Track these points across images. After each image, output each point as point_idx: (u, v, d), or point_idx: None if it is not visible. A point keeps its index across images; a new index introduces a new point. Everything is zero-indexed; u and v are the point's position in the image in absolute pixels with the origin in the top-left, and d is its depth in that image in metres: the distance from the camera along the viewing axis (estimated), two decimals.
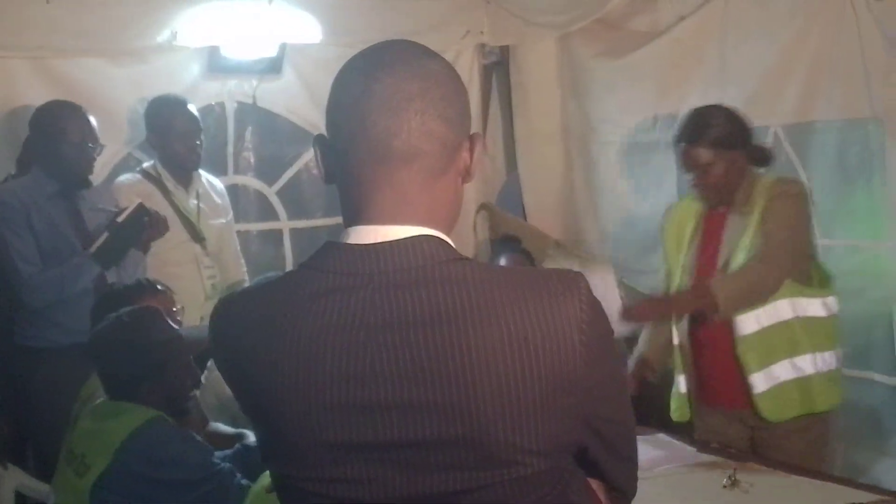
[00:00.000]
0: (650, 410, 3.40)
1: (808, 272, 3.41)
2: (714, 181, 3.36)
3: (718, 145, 3.32)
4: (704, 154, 3.32)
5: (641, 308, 3.46)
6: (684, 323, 3.50)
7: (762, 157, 3.46)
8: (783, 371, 3.37)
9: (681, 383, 3.60)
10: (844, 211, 3.74)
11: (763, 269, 3.29)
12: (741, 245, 3.35)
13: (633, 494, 1.59)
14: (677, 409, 3.62)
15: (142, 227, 3.95)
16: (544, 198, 5.59)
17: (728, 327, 3.39)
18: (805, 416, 3.39)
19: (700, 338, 3.52)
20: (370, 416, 1.33)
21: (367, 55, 1.41)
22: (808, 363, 3.38)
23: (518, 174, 5.65)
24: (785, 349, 3.36)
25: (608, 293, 3.86)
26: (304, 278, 1.40)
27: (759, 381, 3.37)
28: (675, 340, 3.56)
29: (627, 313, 3.40)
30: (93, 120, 3.97)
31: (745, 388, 3.39)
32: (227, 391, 3.09)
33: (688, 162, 3.38)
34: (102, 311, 3.11)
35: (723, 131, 3.34)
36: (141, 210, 3.92)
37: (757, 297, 3.33)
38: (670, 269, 3.61)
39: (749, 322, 3.35)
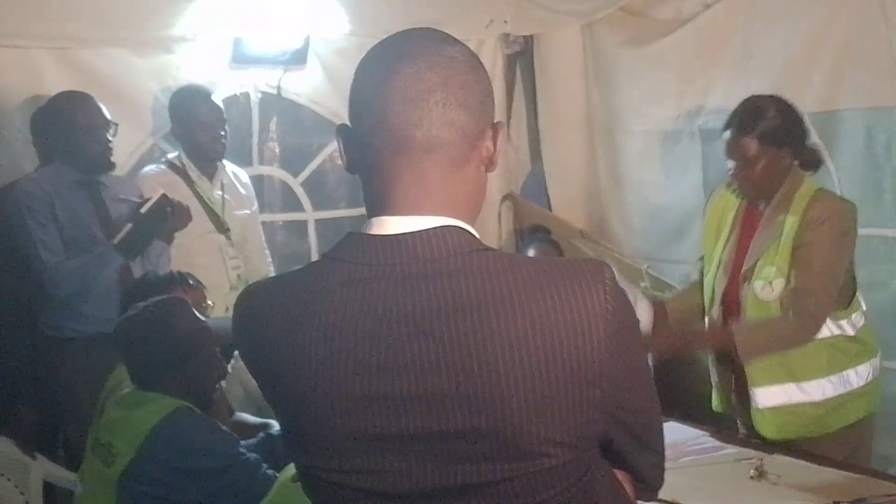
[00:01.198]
0: (674, 399, 3.37)
1: (844, 297, 3.30)
2: (754, 176, 3.23)
3: (767, 140, 3.18)
4: (750, 146, 3.19)
5: (662, 340, 3.33)
6: (717, 308, 3.43)
7: (812, 160, 3.33)
8: (783, 394, 3.29)
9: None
10: (872, 199, 3.70)
11: (796, 326, 3.18)
12: (768, 256, 3.24)
13: (660, 486, 1.59)
14: (718, 400, 3.56)
15: (165, 218, 3.96)
16: (569, 188, 5.57)
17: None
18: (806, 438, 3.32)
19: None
20: (393, 406, 1.33)
21: (387, 44, 1.41)
22: (815, 388, 3.29)
23: (542, 164, 5.64)
24: (788, 373, 3.28)
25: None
26: (326, 269, 1.40)
27: (761, 397, 3.31)
28: (709, 316, 3.48)
29: (646, 342, 3.24)
30: (101, 105, 3.98)
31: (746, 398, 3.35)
32: (253, 381, 3.11)
33: (732, 151, 3.24)
34: (132, 300, 3.13)
35: (774, 126, 3.19)
36: (164, 200, 3.93)
37: (783, 349, 3.24)
38: (705, 257, 3.54)
39: None
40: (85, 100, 3.97)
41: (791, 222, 3.21)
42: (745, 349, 3.19)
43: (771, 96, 3.29)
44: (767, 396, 3.30)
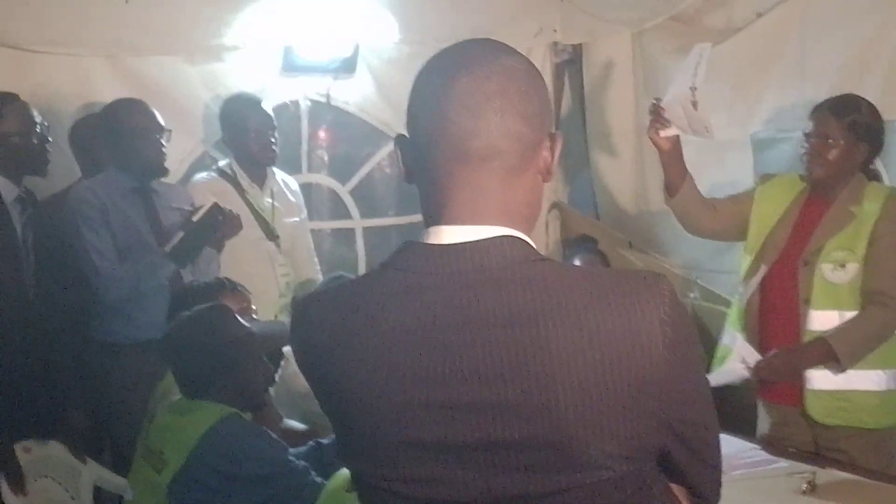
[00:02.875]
0: (722, 411, 3.34)
1: None
2: (830, 159, 3.32)
3: (852, 128, 3.31)
4: (835, 127, 3.32)
5: (769, 366, 3.36)
6: (755, 295, 3.49)
7: (874, 174, 3.47)
8: (844, 378, 3.31)
9: (736, 338, 3.53)
10: None
11: (886, 316, 3.27)
12: (839, 240, 3.32)
13: (717, 501, 1.56)
14: (721, 358, 3.59)
15: (216, 226, 3.99)
16: (617, 197, 5.55)
17: (796, 318, 3.37)
18: (859, 427, 3.35)
19: (767, 325, 3.49)
20: (449, 415, 1.33)
21: (446, 54, 1.41)
22: (877, 378, 3.33)
23: (591, 173, 5.62)
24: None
25: None
26: (383, 278, 1.40)
27: (817, 379, 3.34)
28: (742, 304, 3.55)
29: (756, 369, 3.37)
30: (155, 111, 4.02)
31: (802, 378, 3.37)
32: (299, 388, 3.10)
33: (816, 128, 3.35)
34: (180, 307, 3.15)
35: (862, 120, 3.33)
36: (215, 209, 3.96)
37: (881, 343, 3.30)
38: (750, 241, 3.58)
39: (828, 319, 3.32)
40: (138, 105, 4.02)
41: (869, 210, 3.30)
42: (848, 355, 3.26)
43: (865, 98, 3.42)
44: (824, 380, 3.33)
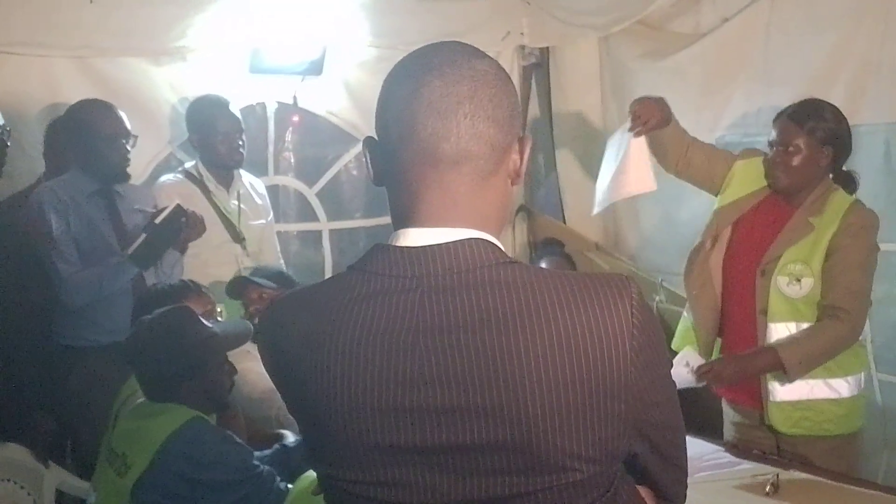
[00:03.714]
0: (687, 414, 3.35)
1: None
2: (794, 167, 3.30)
3: (814, 134, 3.27)
4: (796, 134, 3.28)
5: (714, 371, 3.32)
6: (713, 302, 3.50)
7: (847, 180, 3.41)
8: (807, 388, 3.32)
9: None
10: (891, 214, 3.68)
11: (839, 330, 3.26)
12: (796, 252, 3.29)
13: (683, 502, 1.58)
14: (682, 339, 3.61)
15: (179, 228, 3.95)
16: (584, 200, 5.54)
17: (753, 327, 3.37)
18: (821, 435, 3.36)
19: (725, 331, 3.51)
20: (418, 419, 1.33)
21: (416, 57, 1.40)
22: (839, 387, 3.34)
23: (557, 176, 5.63)
24: (820, 370, 3.31)
25: None
26: (352, 281, 1.39)
27: (779, 391, 3.34)
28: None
29: (701, 374, 3.32)
30: (122, 114, 3.98)
31: (758, 381, 3.38)
32: (251, 392, 3.04)
33: (779, 136, 3.33)
34: (143, 310, 3.12)
35: (825, 123, 3.28)
36: (179, 211, 3.92)
37: (832, 356, 3.30)
38: (718, 209, 3.57)
39: (787, 331, 3.32)
40: (108, 109, 3.97)
41: (828, 225, 3.27)
42: (795, 367, 3.25)
43: (829, 103, 3.38)
44: (786, 391, 3.34)
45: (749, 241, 3.44)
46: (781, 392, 3.34)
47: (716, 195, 3.62)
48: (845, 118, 3.35)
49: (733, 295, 3.47)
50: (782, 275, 3.30)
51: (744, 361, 3.34)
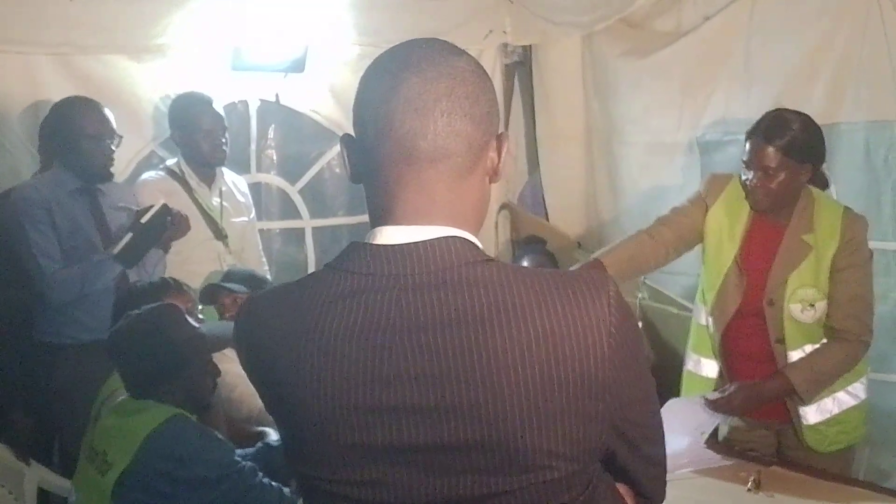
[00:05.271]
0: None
1: None
2: (773, 189, 3.17)
3: (791, 153, 3.13)
4: (774, 157, 3.13)
5: (729, 402, 3.23)
6: (721, 319, 3.38)
7: (821, 180, 3.36)
8: (833, 404, 3.31)
9: (704, 366, 3.49)
10: (871, 213, 3.69)
11: (849, 349, 3.22)
12: (798, 280, 3.21)
13: (662, 500, 1.58)
14: (690, 390, 3.51)
15: (164, 227, 3.94)
16: (567, 198, 5.58)
17: (768, 342, 3.29)
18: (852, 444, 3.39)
19: (736, 347, 3.40)
20: (395, 418, 1.32)
21: (394, 53, 1.40)
22: (855, 391, 3.33)
23: (540, 174, 5.64)
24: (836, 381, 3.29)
25: None
26: (329, 279, 1.39)
27: (811, 413, 3.30)
28: (710, 329, 3.44)
29: (715, 405, 3.23)
30: (109, 113, 3.96)
31: (782, 401, 3.32)
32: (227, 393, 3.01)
33: (754, 161, 3.17)
34: (125, 308, 3.11)
35: (801, 141, 3.14)
36: (164, 210, 3.91)
37: (839, 377, 3.26)
38: (711, 259, 3.40)
39: (798, 357, 3.27)
40: (94, 107, 3.95)
41: (826, 242, 3.20)
42: (807, 391, 3.22)
43: (798, 112, 3.24)
44: (816, 412, 3.31)
45: (747, 269, 3.32)
46: (813, 414, 3.29)
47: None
48: (815, 125, 3.22)
49: (741, 327, 3.35)
50: (794, 302, 3.22)
51: (755, 389, 3.26)
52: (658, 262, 3.47)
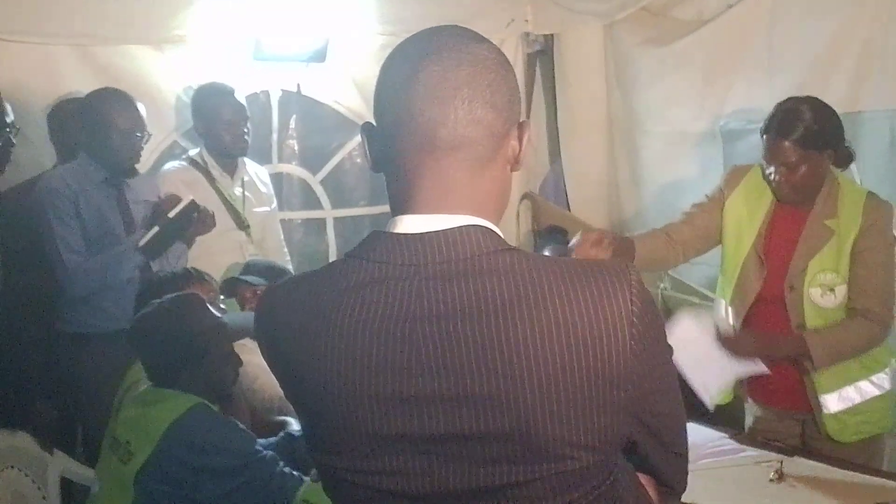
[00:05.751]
0: (689, 401, 3.31)
1: None
2: (797, 181, 3.16)
3: (809, 144, 3.10)
4: (792, 151, 3.11)
5: (737, 342, 3.24)
6: (740, 307, 3.36)
7: (845, 157, 3.28)
8: (855, 393, 3.28)
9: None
10: (895, 201, 3.67)
11: (870, 329, 3.19)
12: (819, 265, 3.20)
13: (684, 490, 1.57)
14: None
15: (190, 223, 3.96)
16: (588, 188, 5.56)
17: (789, 328, 3.27)
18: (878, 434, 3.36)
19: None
20: (416, 407, 1.32)
21: (414, 41, 1.39)
22: (879, 380, 3.31)
23: (561, 164, 5.63)
24: (859, 370, 3.27)
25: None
26: (349, 268, 1.38)
27: (831, 401, 3.28)
28: (731, 321, 3.41)
29: (728, 342, 3.22)
30: (142, 108, 3.97)
31: (804, 391, 3.30)
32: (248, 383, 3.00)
33: (773, 156, 3.16)
34: (147, 297, 3.12)
35: (817, 130, 3.11)
36: (192, 206, 3.93)
37: (859, 354, 3.24)
38: (730, 250, 3.40)
39: None
40: (127, 101, 3.95)
41: (848, 226, 3.18)
42: (821, 358, 3.18)
43: (807, 98, 3.22)
44: (838, 401, 3.28)
45: (769, 256, 3.32)
46: (834, 403, 3.27)
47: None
48: (827, 108, 3.18)
49: (761, 314, 3.35)
50: (814, 286, 3.21)
51: (770, 340, 3.28)
52: (676, 261, 3.49)
